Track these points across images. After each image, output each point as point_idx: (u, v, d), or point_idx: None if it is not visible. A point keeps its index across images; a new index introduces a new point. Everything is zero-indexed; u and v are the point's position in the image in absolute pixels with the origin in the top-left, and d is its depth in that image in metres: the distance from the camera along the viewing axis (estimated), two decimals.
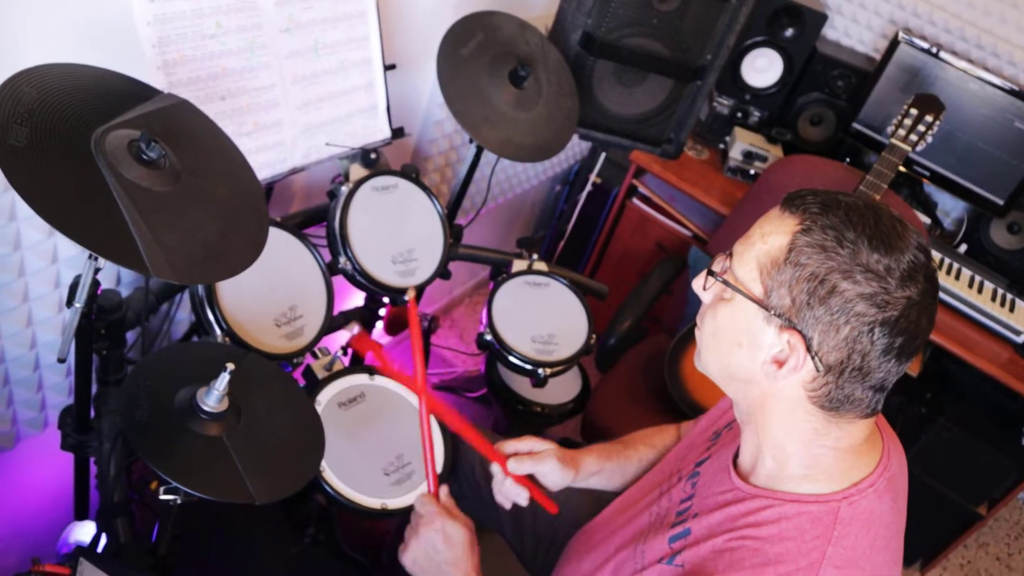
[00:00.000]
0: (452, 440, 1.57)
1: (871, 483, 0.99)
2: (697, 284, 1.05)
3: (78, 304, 1.13)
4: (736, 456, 1.12)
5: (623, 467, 1.44)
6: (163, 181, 1.02)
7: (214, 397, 1.13)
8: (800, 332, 0.92)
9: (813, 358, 0.92)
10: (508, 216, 2.92)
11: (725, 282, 0.99)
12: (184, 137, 1.10)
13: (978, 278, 2.46)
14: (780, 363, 0.95)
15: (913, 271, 0.89)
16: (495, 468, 1.36)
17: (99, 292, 1.23)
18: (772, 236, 0.95)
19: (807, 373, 0.94)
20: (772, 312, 0.94)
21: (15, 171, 0.88)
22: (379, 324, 1.99)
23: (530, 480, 1.36)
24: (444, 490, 1.30)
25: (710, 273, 1.02)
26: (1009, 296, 2.44)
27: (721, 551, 1.01)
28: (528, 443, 1.37)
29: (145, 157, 1.00)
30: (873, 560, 0.97)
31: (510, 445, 1.37)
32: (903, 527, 1.06)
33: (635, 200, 2.74)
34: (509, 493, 1.35)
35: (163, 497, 1.13)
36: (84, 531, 1.62)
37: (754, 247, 0.97)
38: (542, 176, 2.84)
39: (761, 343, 0.96)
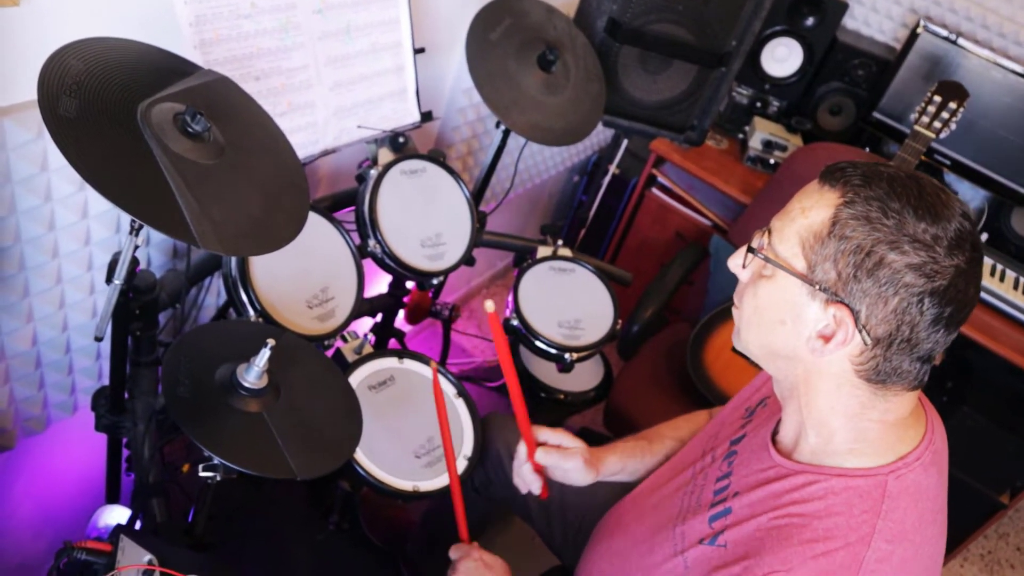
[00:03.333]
0: (482, 425, 1.57)
1: (917, 456, 0.98)
2: (734, 262, 1.04)
3: (117, 281, 1.13)
4: (775, 434, 1.11)
5: (646, 463, 1.45)
6: (208, 154, 1.02)
7: (254, 373, 1.13)
8: (847, 305, 0.91)
9: (861, 331, 0.91)
10: (527, 206, 2.92)
11: (767, 259, 0.98)
12: (226, 112, 1.10)
13: (999, 267, 2.45)
14: (826, 338, 0.94)
15: (960, 239, 0.88)
16: (521, 448, 1.38)
17: (137, 271, 1.24)
18: (813, 210, 0.93)
19: (854, 347, 0.93)
20: (817, 287, 0.93)
21: (66, 141, 0.88)
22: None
23: (544, 473, 1.39)
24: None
25: (750, 250, 1.01)
26: None
27: (768, 529, 1.00)
28: (560, 437, 1.38)
29: (190, 130, 1.00)
30: (923, 533, 0.97)
31: (544, 433, 1.38)
32: (946, 499, 1.05)
33: (654, 190, 2.74)
34: (526, 478, 1.37)
35: (202, 474, 1.13)
36: (114, 515, 1.62)
37: (794, 222, 0.95)
38: (560, 167, 2.84)
39: (806, 318, 0.95)
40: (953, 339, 0.94)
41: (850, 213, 0.90)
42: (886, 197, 0.89)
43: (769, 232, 1.00)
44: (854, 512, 0.95)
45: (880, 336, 0.91)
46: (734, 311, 1.08)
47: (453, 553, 1.34)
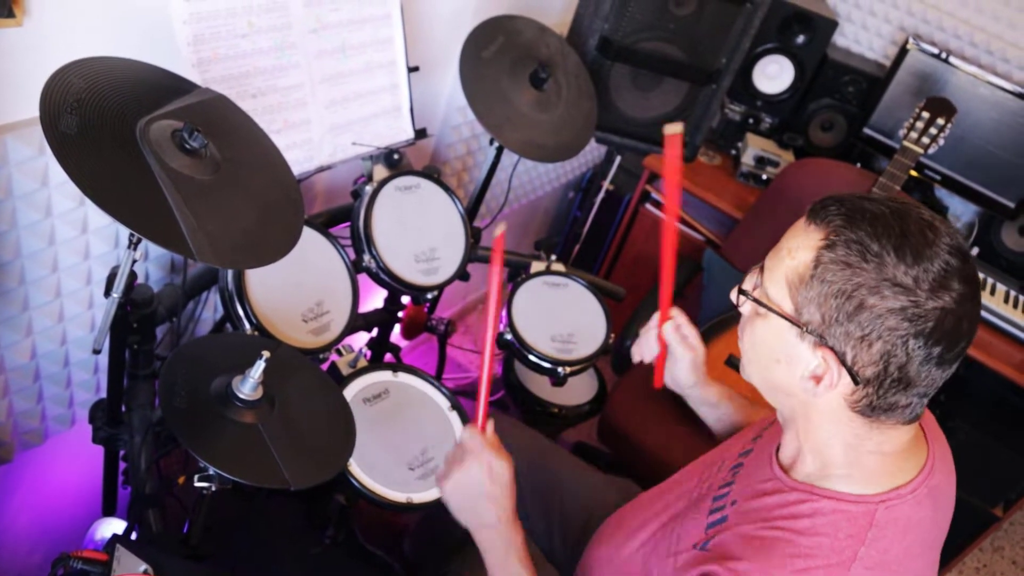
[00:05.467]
0: None
1: (912, 489, 0.98)
2: (732, 296, 1.06)
3: (115, 294, 1.15)
4: (779, 449, 1.12)
5: (733, 417, 1.46)
6: (205, 170, 1.05)
7: (249, 385, 1.15)
8: (832, 349, 0.92)
9: (849, 372, 0.92)
10: (522, 222, 2.95)
11: (756, 301, 0.99)
12: (222, 129, 1.13)
13: (991, 281, 2.47)
14: (818, 379, 0.94)
15: (945, 278, 0.87)
16: (654, 319, 1.45)
17: (135, 284, 1.26)
18: (798, 251, 0.94)
19: (845, 386, 0.93)
20: (804, 329, 0.93)
21: (67, 157, 0.90)
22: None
23: (665, 351, 1.45)
24: (491, 426, 1.26)
25: (742, 292, 1.02)
26: (1022, 298, 2.45)
27: (751, 537, 1.01)
28: (689, 330, 1.43)
29: (188, 146, 1.03)
30: (907, 567, 0.97)
31: (679, 316, 1.43)
32: (942, 538, 1.05)
33: (648, 206, 2.76)
34: (648, 342, 1.45)
35: (197, 485, 1.15)
36: (111, 527, 1.64)
37: (782, 263, 0.96)
38: (556, 183, 2.87)
39: (798, 359, 0.96)
40: (952, 373, 0.93)
41: (830, 257, 0.90)
42: (867, 239, 0.88)
43: (762, 270, 1.01)
44: (839, 536, 0.96)
45: (869, 377, 0.91)
46: (739, 343, 1.09)
47: (464, 437, 1.24)
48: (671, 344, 1.42)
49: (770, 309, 0.97)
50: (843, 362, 0.91)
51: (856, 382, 0.92)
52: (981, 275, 2.48)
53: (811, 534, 0.97)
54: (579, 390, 2.15)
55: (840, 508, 0.97)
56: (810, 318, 0.93)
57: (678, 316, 1.43)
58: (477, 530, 1.22)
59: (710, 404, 1.48)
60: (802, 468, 1.04)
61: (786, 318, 0.95)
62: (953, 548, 2.62)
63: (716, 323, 2.13)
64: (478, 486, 1.20)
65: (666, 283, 1.42)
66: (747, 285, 1.02)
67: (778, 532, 0.99)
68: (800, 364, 0.96)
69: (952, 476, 1.08)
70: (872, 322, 0.88)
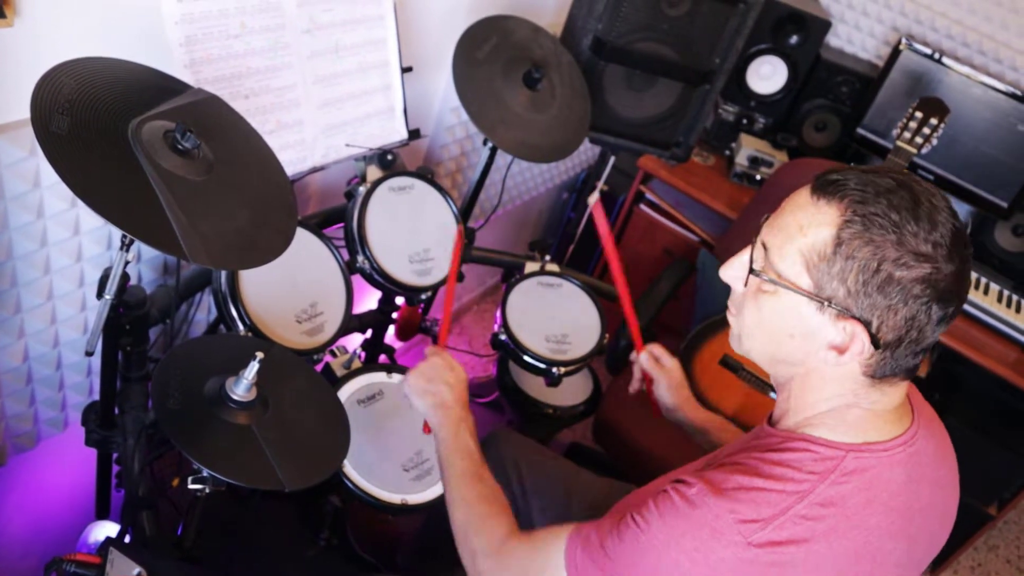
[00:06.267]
0: (488, 441, 1.62)
1: (885, 448, 0.99)
2: (729, 274, 1.05)
3: (108, 296, 1.15)
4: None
5: (710, 440, 1.50)
6: (197, 171, 1.04)
7: (243, 386, 1.15)
8: (859, 319, 0.93)
9: (872, 338, 0.94)
10: (516, 223, 2.94)
11: (772, 280, 0.98)
12: (215, 130, 1.12)
13: (984, 280, 2.48)
14: (840, 349, 0.96)
15: (956, 241, 0.91)
16: (633, 355, 1.64)
17: (128, 286, 1.25)
18: (813, 228, 0.94)
19: (868, 351, 0.95)
20: (826, 303, 0.94)
21: (58, 158, 0.90)
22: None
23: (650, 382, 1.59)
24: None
25: (752, 272, 1.01)
26: (1015, 297, 2.46)
27: (722, 464, 1.03)
28: (662, 354, 1.60)
29: (180, 147, 1.02)
30: (864, 518, 0.97)
31: (652, 346, 1.61)
32: (914, 509, 1.04)
33: (642, 206, 2.76)
34: (636, 372, 1.62)
35: (191, 487, 1.14)
36: (104, 531, 1.63)
37: (793, 240, 0.96)
38: (550, 183, 2.87)
39: (815, 332, 0.97)
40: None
41: (852, 232, 0.91)
42: (886, 211, 0.90)
43: (765, 248, 1.00)
44: (803, 470, 0.97)
45: (890, 341, 0.94)
46: (730, 317, 1.10)
47: (427, 352, 1.43)
48: (647, 369, 1.59)
49: (788, 287, 0.97)
50: (868, 330, 0.93)
51: (877, 347, 0.94)
52: (975, 275, 2.48)
53: (776, 464, 0.98)
54: (575, 390, 2.15)
55: (811, 448, 0.99)
56: (833, 293, 0.94)
57: (651, 345, 1.60)
58: (433, 410, 1.35)
59: (693, 429, 1.54)
60: (786, 422, 1.06)
61: (806, 294, 0.96)
62: (948, 548, 2.63)
63: (711, 323, 2.13)
64: (439, 371, 1.37)
65: (631, 320, 1.58)
66: (756, 266, 1.01)
67: (751, 460, 1.01)
68: (818, 337, 0.97)
69: (945, 455, 1.09)
70: (900, 292, 0.91)
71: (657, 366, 1.58)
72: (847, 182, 0.94)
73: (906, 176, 0.95)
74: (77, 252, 1.40)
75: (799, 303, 0.97)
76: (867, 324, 0.93)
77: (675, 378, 1.57)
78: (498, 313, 1.83)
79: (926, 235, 0.89)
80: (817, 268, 0.94)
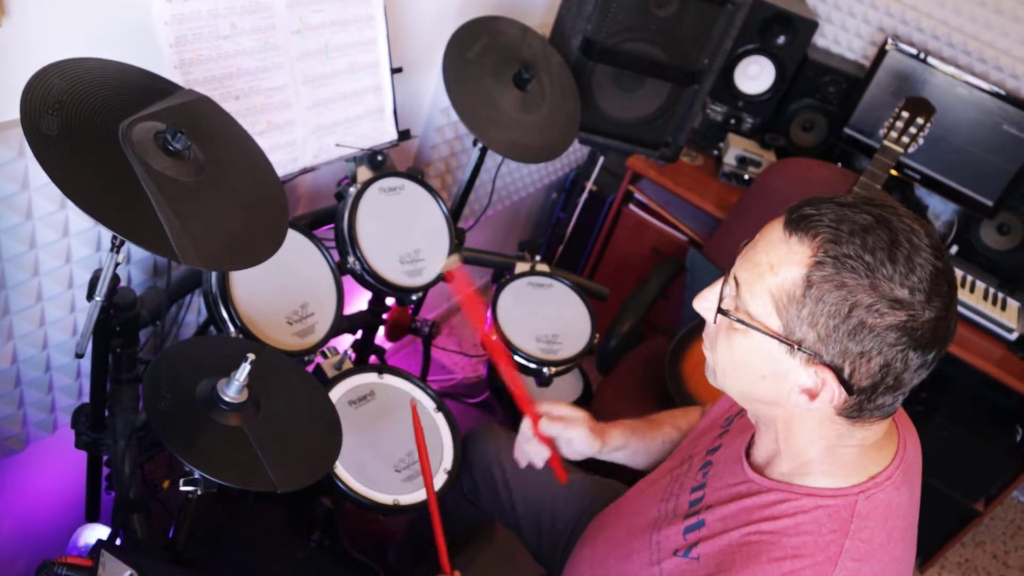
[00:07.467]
0: (464, 440, 1.59)
1: (888, 475, 0.99)
2: (701, 305, 1.01)
3: (98, 297, 1.14)
4: (750, 446, 1.11)
5: (648, 446, 1.44)
6: (188, 172, 1.04)
7: (235, 387, 1.15)
8: (829, 366, 0.89)
9: (845, 385, 0.90)
10: (505, 224, 2.95)
11: (740, 321, 0.94)
12: (206, 131, 1.12)
13: (970, 278, 2.50)
14: (811, 394, 0.92)
15: (936, 283, 0.86)
16: (525, 424, 1.39)
17: (118, 288, 1.25)
18: (783, 268, 0.90)
19: (839, 397, 0.92)
20: (796, 347, 0.90)
21: (48, 159, 0.89)
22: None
23: (553, 445, 1.39)
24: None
25: (721, 312, 0.97)
26: (1000, 295, 2.48)
27: (739, 545, 1.01)
28: (562, 409, 1.39)
29: (171, 148, 1.02)
30: (891, 552, 0.97)
31: (546, 406, 1.39)
32: (917, 514, 1.06)
33: (631, 206, 2.77)
34: (529, 451, 1.39)
35: (182, 489, 1.14)
36: (94, 533, 1.63)
37: (764, 279, 0.92)
38: (539, 184, 2.87)
39: (786, 374, 0.93)
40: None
41: (823, 275, 0.87)
42: (858, 254, 0.85)
43: (736, 284, 0.96)
44: (823, 532, 0.96)
45: (865, 387, 0.90)
46: (705, 350, 1.07)
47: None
48: (556, 435, 1.38)
49: (756, 329, 0.93)
50: (840, 377, 0.89)
51: (851, 393, 0.90)
52: (961, 272, 2.51)
53: (794, 533, 0.97)
54: (565, 391, 2.15)
55: (821, 504, 0.97)
56: (803, 336, 0.89)
57: (543, 407, 1.39)
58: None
59: (624, 447, 1.43)
60: (777, 467, 1.04)
61: (775, 336, 0.91)
62: (936, 543, 2.65)
63: (701, 322, 2.14)
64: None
65: (518, 390, 1.38)
66: (726, 303, 0.97)
67: (763, 536, 0.99)
68: (789, 379, 0.93)
69: (919, 454, 1.08)
70: (872, 340, 0.86)
71: (562, 421, 1.38)
72: (821, 217, 0.88)
73: (887, 210, 0.89)
74: (66, 254, 1.39)
75: (769, 344, 0.92)
76: (838, 370, 0.89)
77: (587, 419, 1.40)
78: (488, 313, 1.83)
79: (902, 279, 0.85)
80: (787, 310, 0.89)
